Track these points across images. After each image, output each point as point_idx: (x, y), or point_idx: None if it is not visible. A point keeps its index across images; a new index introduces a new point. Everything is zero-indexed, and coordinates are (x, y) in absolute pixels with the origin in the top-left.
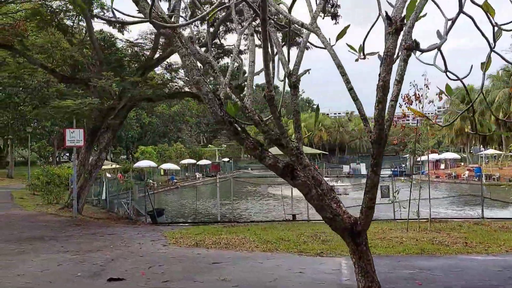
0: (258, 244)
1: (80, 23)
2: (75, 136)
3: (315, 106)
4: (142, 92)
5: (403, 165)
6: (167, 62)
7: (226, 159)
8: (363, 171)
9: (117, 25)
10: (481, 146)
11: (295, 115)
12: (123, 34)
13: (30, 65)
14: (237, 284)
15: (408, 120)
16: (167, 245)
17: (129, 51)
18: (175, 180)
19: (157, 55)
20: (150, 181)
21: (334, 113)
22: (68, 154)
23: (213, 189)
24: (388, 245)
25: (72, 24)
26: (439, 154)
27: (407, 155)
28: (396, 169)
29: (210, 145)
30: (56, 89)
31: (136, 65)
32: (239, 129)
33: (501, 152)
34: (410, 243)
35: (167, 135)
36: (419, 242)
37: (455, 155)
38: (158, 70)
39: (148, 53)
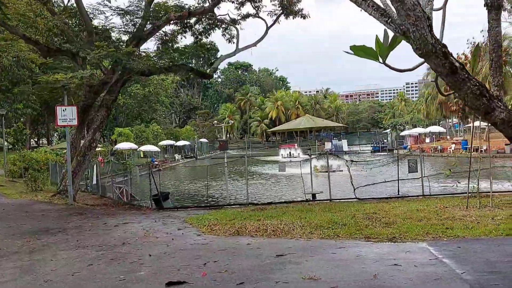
0: (311, 230)
1: None
2: (67, 115)
3: (289, 85)
4: (141, 64)
5: (385, 140)
6: (163, 31)
7: (203, 140)
8: (345, 147)
9: None
10: (459, 119)
11: (496, 51)
12: (109, 2)
13: (10, 36)
14: (335, 285)
15: (377, 97)
16: (201, 234)
17: (120, 20)
18: (156, 162)
19: (149, 26)
20: (154, 159)
21: (309, 91)
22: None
23: (193, 171)
24: (464, 225)
25: None
26: (425, 128)
27: (388, 130)
28: (377, 145)
29: (187, 126)
30: (41, 62)
31: (128, 35)
32: (457, 64)
33: (485, 125)
34: (489, 222)
35: (141, 116)
36: (498, 221)
37: (441, 129)
38: (151, 41)
39: (140, 22)
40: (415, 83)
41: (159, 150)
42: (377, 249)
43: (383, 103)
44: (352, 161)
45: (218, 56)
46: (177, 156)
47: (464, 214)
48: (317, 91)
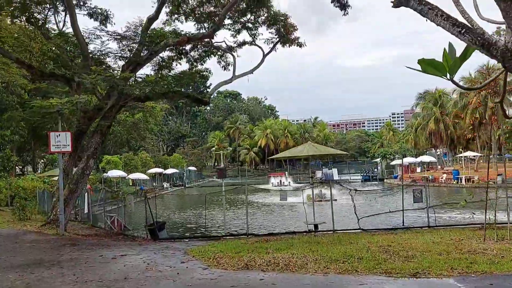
0: (326, 264)
1: (56, 15)
2: (61, 141)
3: (277, 113)
4: (137, 90)
5: (375, 170)
6: (160, 57)
7: (192, 168)
8: (336, 176)
9: (100, 16)
10: (449, 149)
11: None
12: (105, 27)
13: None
14: None
15: (364, 126)
16: (207, 267)
17: (117, 45)
18: (145, 191)
19: (145, 51)
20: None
21: (297, 120)
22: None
23: (181, 199)
24: (489, 260)
25: (44, 17)
26: (416, 158)
27: (378, 159)
28: (367, 174)
29: (175, 154)
30: (35, 86)
31: (124, 60)
32: None
33: (476, 154)
34: None
35: (129, 144)
36: None
37: (432, 158)
38: (147, 67)
39: (136, 47)
40: (401, 113)
41: (148, 178)
42: (403, 286)
43: (369, 133)
44: (356, 190)
45: (208, 83)
46: (165, 184)
47: (485, 248)
48: (305, 120)
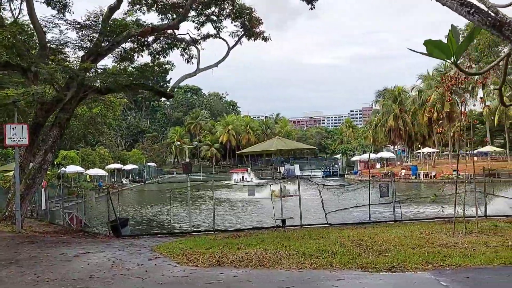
0: (300, 259)
1: (11, 2)
2: (17, 133)
3: (239, 109)
4: (98, 81)
5: (336, 165)
6: (122, 48)
7: (151, 164)
8: (298, 172)
9: (58, 4)
10: (406, 145)
11: None
12: (64, 16)
13: None
14: None
15: (324, 123)
16: (177, 265)
17: (77, 34)
18: (104, 187)
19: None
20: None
21: (258, 116)
22: None
23: (141, 195)
24: (461, 253)
25: None
26: (376, 154)
27: (339, 155)
28: (328, 170)
29: (134, 149)
30: None
31: (83, 51)
32: None
33: (434, 150)
34: (486, 250)
35: (86, 139)
36: (493, 248)
37: (391, 154)
38: (109, 58)
39: (97, 37)
40: (359, 111)
41: (107, 174)
42: (380, 281)
43: (329, 129)
44: (324, 185)
45: (168, 78)
46: (124, 180)
47: (455, 241)
48: (266, 116)
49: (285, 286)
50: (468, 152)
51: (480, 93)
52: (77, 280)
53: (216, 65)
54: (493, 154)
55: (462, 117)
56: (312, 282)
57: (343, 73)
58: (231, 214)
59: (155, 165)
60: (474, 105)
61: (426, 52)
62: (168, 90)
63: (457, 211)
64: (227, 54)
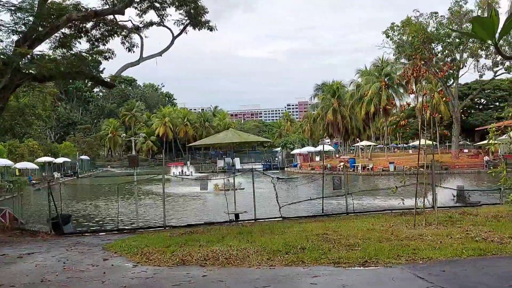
0: (269, 256)
1: None
2: None
3: (175, 101)
4: (37, 67)
5: (276, 159)
6: (62, 33)
7: (84, 157)
8: (238, 165)
9: None
10: (343, 139)
11: None
12: None
13: None
14: None
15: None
16: (137, 265)
17: (11, 17)
18: (33, 181)
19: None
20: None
21: (195, 109)
22: None
23: (75, 189)
24: (429, 246)
25: None
26: (315, 147)
27: (279, 149)
28: (267, 163)
29: (65, 142)
30: None
31: (18, 35)
32: None
33: (371, 144)
34: (452, 242)
35: (13, 130)
36: (458, 240)
37: (330, 148)
38: (46, 43)
39: (33, 20)
40: (296, 105)
41: (37, 167)
42: (357, 276)
43: (267, 123)
44: (278, 178)
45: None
46: (56, 174)
47: (419, 233)
48: (203, 109)
49: (261, 286)
50: (400, 145)
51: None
52: (27, 284)
53: (160, 54)
54: (422, 147)
55: (424, 110)
56: (288, 281)
57: (279, 67)
58: (177, 209)
59: (88, 158)
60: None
61: (469, 32)
62: (109, 79)
63: (412, 203)
64: (172, 42)
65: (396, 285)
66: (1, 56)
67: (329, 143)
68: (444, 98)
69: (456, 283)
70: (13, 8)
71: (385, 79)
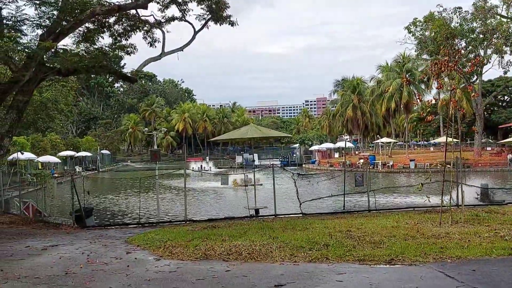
0: (292, 252)
1: None
2: None
3: (195, 97)
4: (62, 61)
5: (294, 155)
6: (86, 27)
7: (105, 151)
8: (257, 161)
9: None
10: (362, 135)
11: None
12: None
13: None
14: None
15: (279, 113)
16: (160, 258)
17: (36, 11)
18: (55, 175)
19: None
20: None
21: (213, 105)
22: None
23: (97, 183)
24: (457, 244)
25: None
26: (334, 143)
27: (297, 145)
28: (285, 159)
29: (86, 136)
30: None
31: (42, 29)
32: None
33: (391, 140)
34: (480, 241)
35: (36, 125)
36: (487, 239)
37: (350, 144)
38: (70, 37)
39: (57, 14)
40: (314, 101)
41: (59, 161)
42: (384, 274)
43: (284, 119)
44: (299, 174)
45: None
46: (77, 168)
47: (446, 232)
48: (221, 105)
49: (285, 281)
50: (420, 143)
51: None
52: (51, 277)
53: (182, 49)
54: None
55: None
56: (313, 277)
57: (296, 64)
58: (197, 203)
59: (108, 152)
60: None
61: None
62: (132, 74)
63: (444, 201)
64: (193, 37)
65: (425, 284)
66: (26, 50)
67: (348, 139)
68: (473, 94)
69: (488, 283)
70: (38, 2)
71: (407, 75)
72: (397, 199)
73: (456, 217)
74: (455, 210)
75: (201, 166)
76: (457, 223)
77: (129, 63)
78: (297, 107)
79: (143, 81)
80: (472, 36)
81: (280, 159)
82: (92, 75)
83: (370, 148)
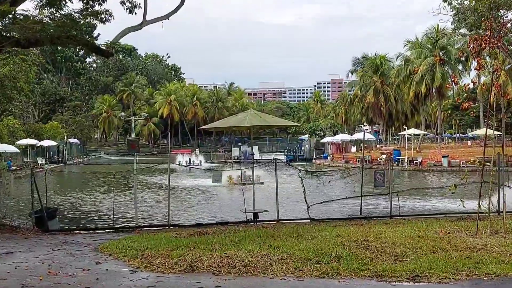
0: (296, 265)
1: None
2: None
3: (183, 76)
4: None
5: (302, 148)
6: None
7: (74, 140)
8: (257, 155)
9: None
10: (386, 126)
11: None
12: None
13: None
14: None
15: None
16: (137, 270)
17: None
18: (13, 167)
19: None
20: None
21: (206, 86)
22: None
23: (63, 179)
24: (496, 259)
25: None
26: (351, 135)
27: (306, 136)
28: (291, 153)
29: (51, 121)
30: None
31: None
32: None
33: (421, 132)
34: None
35: None
36: None
37: (370, 136)
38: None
39: None
40: (327, 83)
41: (18, 151)
42: None
43: (292, 105)
44: (307, 171)
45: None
46: (40, 160)
47: (483, 243)
48: (215, 87)
49: None
50: (455, 135)
51: (474, 65)
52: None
53: (167, 16)
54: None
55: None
56: None
57: (308, 37)
58: (184, 205)
59: (78, 142)
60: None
61: None
62: (106, 46)
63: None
64: (182, 2)
65: None
66: None
67: (369, 130)
68: None
69: None
70: None
71: (440, 53)
72: (425, 204)
73: (496, 226)
74: (495, 218)
75: (190, 159)
76: (497, 233)
77: (104, 34)
78: (307, 90)
79: (120, 56)
80: None
81: (286, 153)
82: (58, 47)
83: (395, 141)
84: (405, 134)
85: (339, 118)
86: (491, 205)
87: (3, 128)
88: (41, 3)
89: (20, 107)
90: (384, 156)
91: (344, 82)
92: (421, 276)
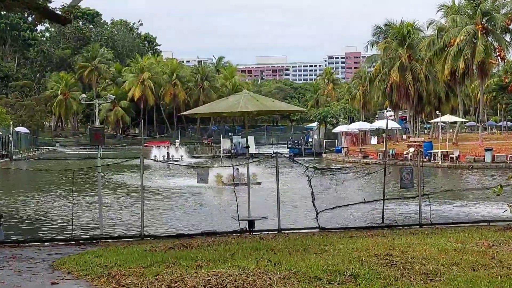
0: (304, 286)
1: None
2: None
3: (159, 48)
4: None
5: (310, 139)
6: None
7: (22, 129)
8: (253, 148)
9: None
10: (414, 111)
11: None
12: None
13: None
14: None
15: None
16: None
17: None
18: None
19: None
20: None
21: (187, 60)
22: None
23: (9, 178)
24: None
25: None
26: (371, 123)
27: (315, 124)
28: (296, 146)
29: None
30: None
31: None
32: None
33: (458, 119)
34: None
35: None
36: None
37: (395, 124)
38: None
39: None
40: (341, 57)
41: None
42: None
43: (297, 84)
44: (315, 168)
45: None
46: None
47: None
48: (200, 62)
49: None
50: (501, 124)
51: None
52: None
53: None
54: None
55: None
56: None
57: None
58: (161, 211)
59: (27, 131)
60: None
61: None
62: (63, 11)
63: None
64: None
65: None
66: None
67: (393, 117)
68: None
69: None
70: None
71: (483, 21)
72: (464, 209)
73: None
74: None
75: (168, 154)
76: None
77: None
78: (316, 66)
79: (80, 23)
80: None
81: (289, 146)
82: (0, 12)
83: (425, 131)
84: (438, 121)
85: (355, 102)
86: None
87: None
88: None
89: None
90: (412, 149)
91: (362, 57)
92: None
